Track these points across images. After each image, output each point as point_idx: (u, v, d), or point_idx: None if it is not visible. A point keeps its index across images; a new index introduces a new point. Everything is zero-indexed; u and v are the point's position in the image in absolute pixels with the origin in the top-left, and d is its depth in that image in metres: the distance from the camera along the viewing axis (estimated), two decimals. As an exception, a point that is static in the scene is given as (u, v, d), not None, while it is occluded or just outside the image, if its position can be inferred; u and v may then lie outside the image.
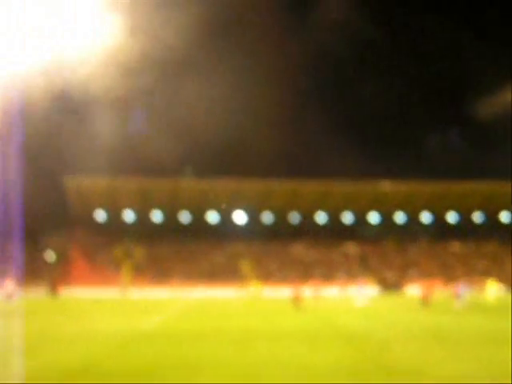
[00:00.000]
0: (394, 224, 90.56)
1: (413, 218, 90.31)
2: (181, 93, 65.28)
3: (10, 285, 49.98)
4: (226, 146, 76.60)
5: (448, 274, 75.64)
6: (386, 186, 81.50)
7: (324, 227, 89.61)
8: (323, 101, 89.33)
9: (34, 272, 68.43)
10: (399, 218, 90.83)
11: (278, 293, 61.01)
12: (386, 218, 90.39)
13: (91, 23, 19.14)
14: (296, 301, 36.49)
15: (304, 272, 76.57)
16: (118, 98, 54.96)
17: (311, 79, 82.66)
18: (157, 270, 76.09)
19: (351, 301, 43.80)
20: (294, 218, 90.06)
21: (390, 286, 73.35)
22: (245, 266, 77.75)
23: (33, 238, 76.02)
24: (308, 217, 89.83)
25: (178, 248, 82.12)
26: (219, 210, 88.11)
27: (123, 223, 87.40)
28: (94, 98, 51.46)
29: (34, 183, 64.36)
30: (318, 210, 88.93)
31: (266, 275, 74.23)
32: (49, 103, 37.07)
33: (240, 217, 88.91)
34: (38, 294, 60.51)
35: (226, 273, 75.46)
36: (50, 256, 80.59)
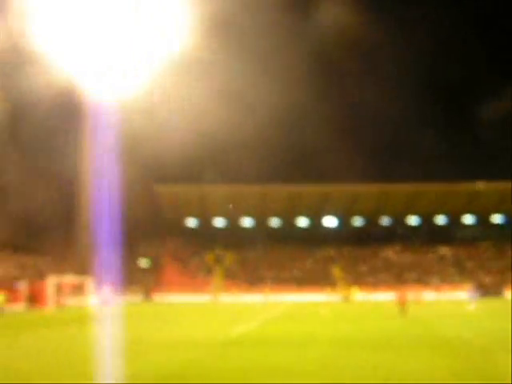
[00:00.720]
0: (490, 226, 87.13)
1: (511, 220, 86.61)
2: (267, 100, 65.33)
3: (107, 291, 51.31)
4: (312, 151, 76.11)
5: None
6: (481, 186, 78.42)
7: (416, 230, 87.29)
8: (408, 100, 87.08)
9: (128, 278, 70.15)
10: (496, 219, 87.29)
11: (371, 297, 59.77)
12: (482, 219, 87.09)
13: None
14: (400, 305, 35.16)
15: (396, 276, 74.83)
16: (209, 105, 55.59)
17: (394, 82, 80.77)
18: (247, 276, 76.34)
19: (450, 305, 42.22)
20: (385, 221, 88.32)
21: (489, 290, 70.40)
22: (336, 270, 76.80)
23: (127, 246, 78.05)
24: (399, 220, 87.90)
25: (269, 253, 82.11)
26: (309, 215, 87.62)
27: (214, 230, 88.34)
28: (186, 106, 52.37)
29: (128, 191, 66.15)
30: (409, 212, 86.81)
31: (358, 280, 72.97)
32: (142, 113, 37.93)
33: (330, 221, 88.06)
34: (132, 300, 61.90)
35: (316, 278, 74.74)
36: (143, 263, 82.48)
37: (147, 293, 65.30)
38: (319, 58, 66.76)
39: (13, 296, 44.87)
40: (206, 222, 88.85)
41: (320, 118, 69.68)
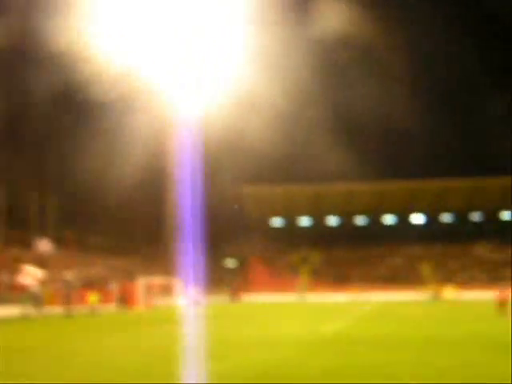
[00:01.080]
0: None
1: None
2: (350, 98, 64.55)
3: (195, 292, 52.04)
4: (399, 147, 74.58)
5: None
6: None
7: (510, 225, 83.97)
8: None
9: (215, 279, 71.00)
10: None
11: (463, 296, 57.89)
12: None
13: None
14: (500, 305, 33.30)
15: (490, 274, 72.17)
16: (291, 105, 55.45)
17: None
18: (334, 275, 75.65)
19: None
20: (476, 216, 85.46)
21: None
22: (425, 268, 74.90)
23: (214, 246, 79.03)
24: (491, 215, 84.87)
25: (355, 252, 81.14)
26: (396, 213, 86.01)
27: (299, 229, 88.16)
28: (269, 107, 52.39)
29: (214, 192, 66.96)
30: (502, 207, 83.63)
31: (448, 278, 70.88)
32: (225, 112, 38.16)
33: (418, 218, 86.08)
34: (220, 300, 62.52)
35: (404, 276, 73.19)
36: (230, 263, 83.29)
37: (234, 293, 65.80)
38: (406, 51, 65.29)
39: (105, 296, 46.17)
40: (291, 222, 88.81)
41: (407, 113, 68.18)
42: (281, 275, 77.04)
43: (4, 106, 48.12)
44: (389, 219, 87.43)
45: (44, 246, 53.60)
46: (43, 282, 43.83)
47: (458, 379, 11.32)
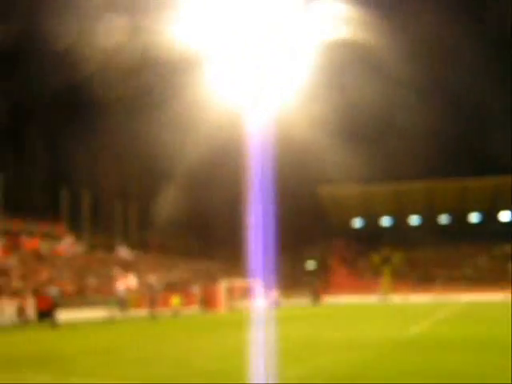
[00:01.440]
0: None
1: None
2: (428, 95, 63.07)
3: (274, 294, 52.13)
4: (483, 141, 72.20)
5: None
6: None
7: None
8: None
9: (296, 281, 70.88)
10: None
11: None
12: None
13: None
14: None
15: None
16: (367, 104, 54.75)
17: None
18: (417, 275, 74.05)
19: None
20: None
21: None
22: (513, 268, 72.18)
23: (294, 248, 78.92)
24: None
25: (438, 251, 79.14)
26: (481, 210, 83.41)
27: (380, 229, 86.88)
28: (345, 105, 51.88)
29: (292, 194, 66.88)
30: None
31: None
32: (296, 113, 38.00)
33: (505, 216, 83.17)
34: (301, 302, 62.34)
35: (491, 276, 70.73)
36: (311, 265, 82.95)
37: (315, 295, 65.46)
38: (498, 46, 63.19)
39: (187, 299, 46.90)
40: (371, 222, 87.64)
41: (492, 107, 65.97)
42: (362, 276, 76.11)
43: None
44: (474, 217, 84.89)
45: (124, 253, 55.14)
46: (128, 286, 44.99)
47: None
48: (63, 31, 34.07)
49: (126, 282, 43.14)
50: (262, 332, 19.45)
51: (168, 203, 64.90)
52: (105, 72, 39.20)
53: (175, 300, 42.86)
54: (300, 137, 48.78)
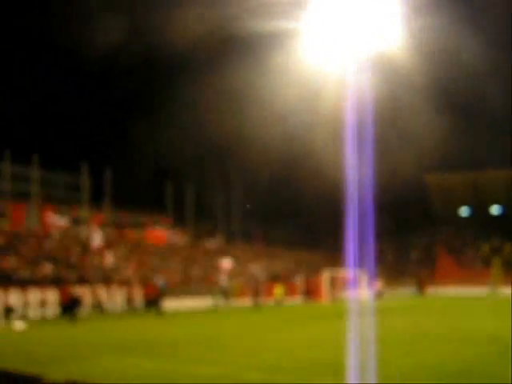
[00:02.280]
0: None
1: None
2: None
3: (378, 284, 51.30)
4: None
5: None
6: None
7: None
8: None
9: (401, 271, 69.44)
10: None
11: None
12: None
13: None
14: None
15: None
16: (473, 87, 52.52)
17: None
18: (530, 266, 70.62)
19: None
20: None
21: None
22: None
23: (400, 237, 77.36)
24: None
25: (554, 241, 75.10)
26: None
27: (490, 218, 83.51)
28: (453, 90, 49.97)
29: (397, 182, 65.40)
30: None
31: None
32: (404, 99, 36.98)
33: None
34: (406, 292, 61.00)
35: None
36: (415, 255, 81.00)
37: (420, 285, 63.80)
38: None
39: (290, 289, 46.95)
40: (480, 211, 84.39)
41: None
42: (470, 267, 73.42)
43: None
44: None
45: (226, 264, 55.77)
46: (232, 276, 45.55)
47: None
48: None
49: (224, 266, 43.65)
50: (365, 323, 19.05)
51: (270, 193, 65.15)
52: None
53: (278, 290, 42.99)
54: (404, 120, 47.47)
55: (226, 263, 45.06)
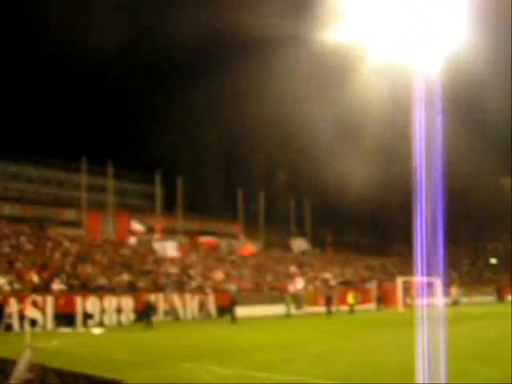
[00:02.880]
0: None
1: None
2: None
3: (454, 291, 50.08)
4: None
5: None
6: None
7: None
8: None
9: (477, 279, 67.55)
10: None
11: None
12: None
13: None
14: None
15: None
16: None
17: None
18: None
19: None
20: None
21: None
22: None
23: (474, 244, 75.38)
24: None
25: None
26: None
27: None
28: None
29: (473, 187, 63.76)
30: None
31: None
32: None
33: None
34: (482, 300, 59.23)
35: None
36: (493, 261, 78.68)
37: (500, 293, 61.82)
38: None
39: (363, 296, 46.40)
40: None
41: None
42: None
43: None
44: None
45: (300, 245, 55.58)
46: (304, 283, 45.41)
47: None
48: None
49: (295, 286, 43.45)
50: (441, 331, 18.59)
51: (341, 200, 64.66)
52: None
53: (351, 297, 42.57)
54: (477, 122, 46.21)
55: (298, 282, 44.77)
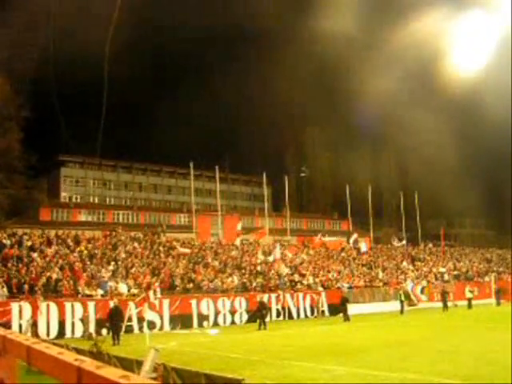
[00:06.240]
0: None
1: None
2: None
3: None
4: None
5: None
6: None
7: None
8: None
9: None
10: None
11: None
12: None
13: None
14: None
15: None
16: None
17: None
18: None
19: None
20: None
21: None
22: None
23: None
24: None
25: None
26: None
27: None
28: None
29: None
30: None
31: None
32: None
33: None
34: None
35: None
36: None
37: None
38: None
39: (481, 290, 44.71)
40: None
41: None
42: None
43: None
44: None
45: (397, 242, 54.83)
46: (416, 277, 44.32)
47: None
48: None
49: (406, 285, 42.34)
50: None
51: (457, 192, 62.66)
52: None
53: (468, 291, 41.01)
54: None
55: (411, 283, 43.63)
